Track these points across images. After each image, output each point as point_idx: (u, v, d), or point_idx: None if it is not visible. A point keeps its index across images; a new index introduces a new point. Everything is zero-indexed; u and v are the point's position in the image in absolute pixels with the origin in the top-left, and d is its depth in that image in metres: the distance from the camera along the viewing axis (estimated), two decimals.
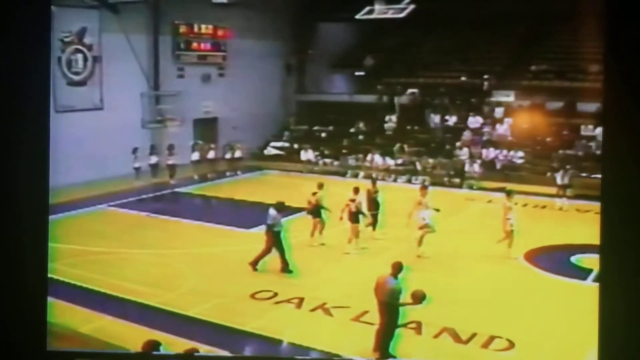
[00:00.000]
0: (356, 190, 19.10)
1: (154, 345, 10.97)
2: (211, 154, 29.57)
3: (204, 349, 12.84)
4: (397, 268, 12.62)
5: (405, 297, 12.40)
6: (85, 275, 16.24)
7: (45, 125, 11.70)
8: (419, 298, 12.26)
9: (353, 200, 18.81)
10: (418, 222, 18.13)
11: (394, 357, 12.69)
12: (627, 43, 10.56)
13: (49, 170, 11.69)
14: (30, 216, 11.70)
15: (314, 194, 19.62)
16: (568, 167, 25.22)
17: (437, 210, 18.37)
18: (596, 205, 10.76)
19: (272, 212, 17.30)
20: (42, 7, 11.82)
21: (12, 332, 11.58)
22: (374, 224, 19.77)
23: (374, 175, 26.54)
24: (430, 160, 29.19)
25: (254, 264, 17.15)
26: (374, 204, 19.84)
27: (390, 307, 12.53)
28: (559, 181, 24.79)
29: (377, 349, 12.75)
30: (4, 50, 11.42)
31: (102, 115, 26.80)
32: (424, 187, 19.06)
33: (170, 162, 27.52)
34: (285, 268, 17.12)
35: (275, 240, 17.17)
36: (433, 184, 25.75)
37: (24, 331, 11.66)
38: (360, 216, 18.87)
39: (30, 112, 11.67)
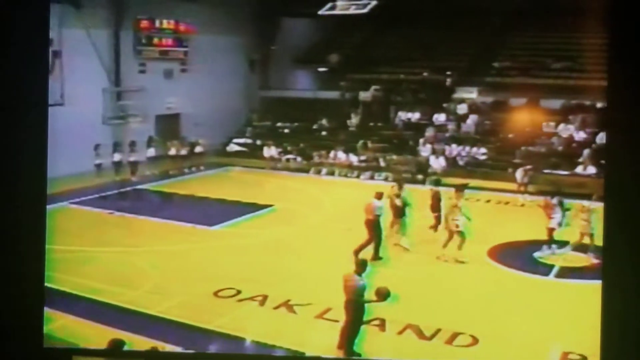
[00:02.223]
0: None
1: (118, 344, 10.91)
2: (173, 151, 29.40)
3: (168, 348, 12.78)
4: (362, 265, 12.64)
5: (369, 294, 12.43)
6: (46, 274, 16.01)
7: (43, 122, 11.73)
8: (383, 295, 12.29)
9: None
10: (451, 226, 17.99)
11: (359, 354, 12.71)
12: (631, 43, 10.64)
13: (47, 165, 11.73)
14: (25, 215, 11.70)
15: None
16: (528, 167, 25.35)
17: (469, 219, 18.07)
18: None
19: (377, 202, 17.93)
20: (40, 4, 11.81)
21: (10, 329, 11.56)
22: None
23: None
24: (394, 157, 29.22)
25: (357, 252, 17.23)
26: (438, 207, 19.69)
27: (355, 304, 12.53)
28: (518, 179, 24.96)
29: (342, 346, 12.74)
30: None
31: (62, 111, 26.44)
32: (459, 190, 18.65)
33: (132, 159, 27.31)
34: (376, 256, 17.37)
35: (376, 228, 17.66)
36: (395, 180, 25.77)
37: (21, 328, 11.64)
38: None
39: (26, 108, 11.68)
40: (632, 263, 10.92)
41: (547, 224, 18.21)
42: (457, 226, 17.76)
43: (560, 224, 18.23)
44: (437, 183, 21.42)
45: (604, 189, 11.16)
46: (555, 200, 18.47)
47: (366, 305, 12.58)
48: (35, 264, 11.80)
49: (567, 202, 18.68)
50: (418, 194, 20.62)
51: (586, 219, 17.67)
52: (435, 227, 19.41)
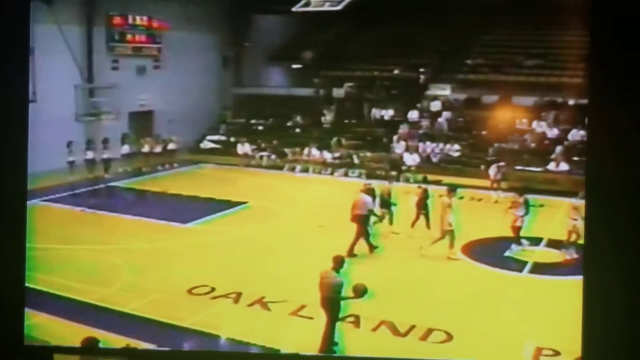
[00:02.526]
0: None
1: (92, 342, 10.84)
2: (146, 148, 29.24)
3: (142, 346, 12.72)
4: (339, 262, 12.64)
5: (346, 291, 12.44)
6: None
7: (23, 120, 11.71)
8: (360, 292, 12.32)
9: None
10: (445, 225, 17.94)
11: (334, 351, 12.71)
12: (612, 40, 10.70)
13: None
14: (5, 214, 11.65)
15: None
16: (502, 163, 25.44)
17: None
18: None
19: (368, 198, 18.24)
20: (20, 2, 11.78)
21: None
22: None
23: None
24: (368, 154, 29.26)
25: (350, 252, 17.34)
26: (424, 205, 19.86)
27: (331, 301, 12.53)
28: (492, 176, 25.05)
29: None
30: None
31: (34, 108, 26.13)
32: (451, 190, 18.66)
33: (105, 156, 27.18)
34: (372, 249, 17.77)
35: (365, 224, 17.83)
36: (369, 176, 25.78)
37: (1, 326, 11.57)
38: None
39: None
40: (613, 260, 11.01)
41: (514, 223, 18.43)
42: (450, 225, 17.85)
43: (522, 222, 18.40)
44: (425, 180, 21.58)
45: (585, 186, 11.24)
46: (521, 199, 18.64)
47: (342, 302, 12.60)
48: (16, 263, 11.71)
49: (536, 198, 18.82)
50: (394, 192, 20.62)
51: (575, 217, 17.70)
52: (426, 225, 19.52)
